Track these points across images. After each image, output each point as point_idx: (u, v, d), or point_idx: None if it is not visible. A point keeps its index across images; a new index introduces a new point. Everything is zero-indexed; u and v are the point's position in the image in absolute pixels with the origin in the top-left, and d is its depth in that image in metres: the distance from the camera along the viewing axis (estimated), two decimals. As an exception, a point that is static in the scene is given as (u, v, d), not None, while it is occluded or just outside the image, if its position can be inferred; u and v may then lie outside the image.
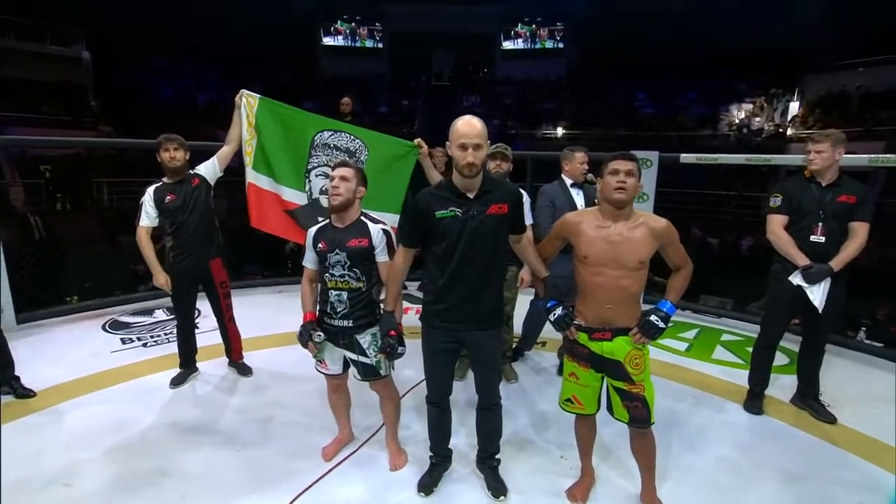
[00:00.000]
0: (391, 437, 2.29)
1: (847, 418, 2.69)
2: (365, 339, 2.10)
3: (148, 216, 2.79)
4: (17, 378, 2.80)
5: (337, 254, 2.03)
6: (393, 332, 1.94)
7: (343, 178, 2.02)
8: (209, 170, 2.98)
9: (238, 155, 3.17)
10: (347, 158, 3.17)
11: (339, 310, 2.06)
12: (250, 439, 2.43)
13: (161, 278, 2.80)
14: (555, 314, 1.88)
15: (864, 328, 4.65)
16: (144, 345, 3.50)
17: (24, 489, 2.02)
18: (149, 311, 4.12)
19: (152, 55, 16.35)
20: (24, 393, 2.76)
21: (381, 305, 2.10)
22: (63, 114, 12.20)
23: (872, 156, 3.55)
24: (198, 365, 3.08)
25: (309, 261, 2.14)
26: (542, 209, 3.01)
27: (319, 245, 2.06)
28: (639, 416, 1.83)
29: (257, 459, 2.27)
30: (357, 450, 2.35)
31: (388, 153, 3.14)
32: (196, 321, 3.16)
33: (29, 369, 2.99)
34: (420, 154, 3.03)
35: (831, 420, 2.67)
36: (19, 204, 7.92)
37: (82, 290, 4.55)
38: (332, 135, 3.17)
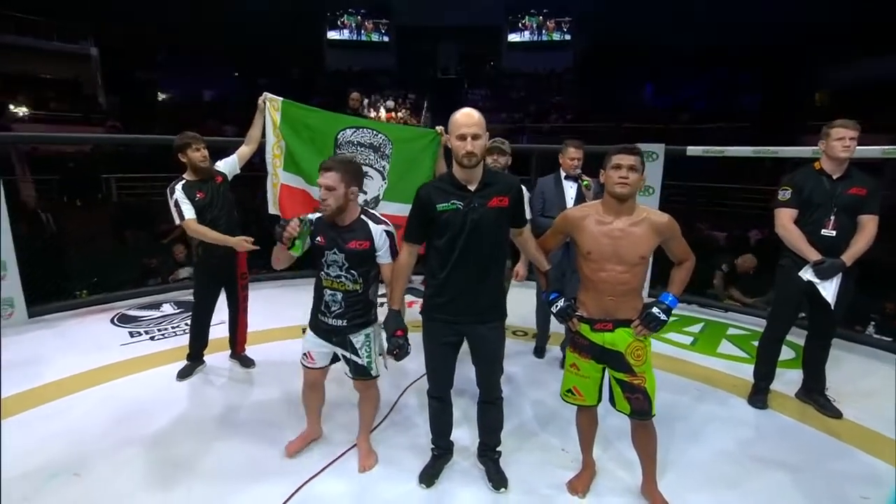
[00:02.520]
0: (363, 438, 2.26)
1: (853, 413, 2.67)
2: (358, 340, 2.07)
3: (190, 209, 2.75)
4: None
5: (335, 253, 1.97)
6: (400, 332, 1.90)
7: (328, 189, 1.90)
8: (229, 166, 3.00)
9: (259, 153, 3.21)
10: (372, 154, 3.21)
11: (333, 309, 2.03)
12: (256, 431, 2.45)
13: (242, 242, 2.74)
14: (557, 306, 1.89)
15: (872, 322, 4.59)
16: (152, 338, 3.54)
17: (32, 479, 2.06)
18: (156, 305, 4.17)
19: (160, 51, 16.43)
20: None
21: (381, 304, 2.05)
22: (72, 110, 12.31)
23: (886, 147, 3.49)
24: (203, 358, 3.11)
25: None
26: (533, 200, 3.08)
27: (318, 239, 2.01)
28: (640, 408, 1.83)
29: (263, 451, 2.29)
30: (355, 445, 2.33)
31: (412, 144, 3.18)
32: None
33: (40, 362, 3.08)
34: (442, 140, 3.04)
35: (837, 415, 2.65)
36: (31, 200, 8.01)
37: (91, 285, 4.60)
38: (354, 132, 3.22)
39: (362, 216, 2.02)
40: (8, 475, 2.06)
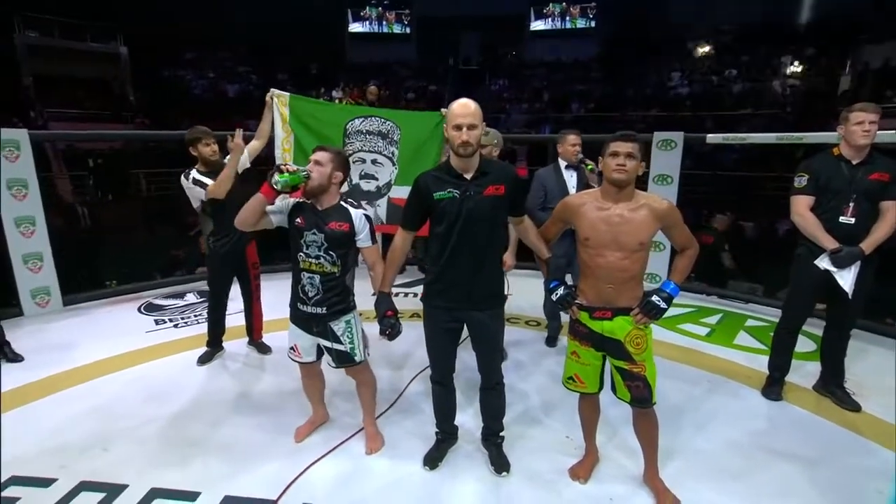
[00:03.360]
0: (369, 422, 2.32)
1: (873, 407, 2.59)
2: (339, 327, 2.09)
3: (208, 179, 2.81)
4: (8, 343, 3.12)
5: (314, 234, 1.99)
6: (390, 312, 1.93)
7: (317, 163, 1.98)
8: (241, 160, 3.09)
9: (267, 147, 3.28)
10: (381, 141, 3.28)
11: (311, 295, 2.03)
12: (268, 414, 2.55)
13: (235, 140, 2.79)
14: (557, 293, 1.90)
15: (904, 315, 4.40)
16: (175, 326, 3.70)
17: (64, 452, 2.22)
18: (180, 295, 4.34)
19: (184, 48, 16.88)
20: (14, 357, 3.08)
21: (357, 291, 2.09)
22: (104, 108, 12.83)
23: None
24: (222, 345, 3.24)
25: (276, 209, 2.05)
26: (534, 192, 3.06)
27: (297, 220, 2.03)
28: (640, 396, 1.83)
29: (274, 432, 2.38)
30: (363, 429, 2.39)
31: (420, 129, 3.26)
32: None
33: (72, 347, 3.27)
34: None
35: (855, 408, 2.58)
36: (67, 195, 8.42)
37: (120, 275, 4.83)
38: (363, 121, 3.29)
39: (342, 202, 2.07)
40: (45, 447, 2.24)
